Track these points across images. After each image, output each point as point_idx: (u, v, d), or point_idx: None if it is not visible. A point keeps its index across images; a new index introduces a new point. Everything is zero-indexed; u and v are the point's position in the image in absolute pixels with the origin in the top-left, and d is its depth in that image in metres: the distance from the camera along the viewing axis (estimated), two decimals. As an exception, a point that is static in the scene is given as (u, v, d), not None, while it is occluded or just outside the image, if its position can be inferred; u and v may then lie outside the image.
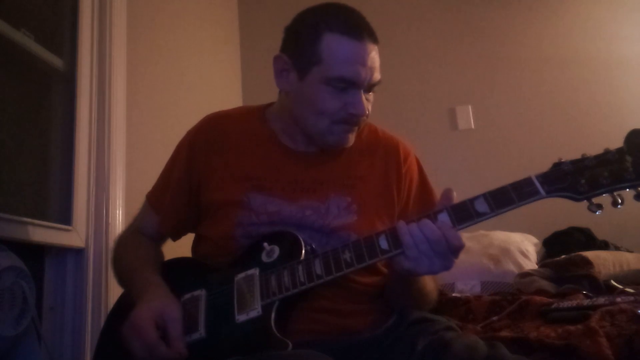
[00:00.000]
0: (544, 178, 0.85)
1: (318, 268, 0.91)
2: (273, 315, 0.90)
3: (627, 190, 0.83)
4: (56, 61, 1.66)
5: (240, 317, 0.92)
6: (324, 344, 0.92)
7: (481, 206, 0.86)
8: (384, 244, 0.89)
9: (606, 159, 0.83)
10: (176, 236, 1.22)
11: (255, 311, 0.91)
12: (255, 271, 0.96)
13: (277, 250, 0.97)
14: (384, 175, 1.12)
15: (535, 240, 2.28)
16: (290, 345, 0.86)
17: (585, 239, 2.15)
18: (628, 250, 2.07)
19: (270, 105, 1.20)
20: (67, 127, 1.65)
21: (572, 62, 2.71)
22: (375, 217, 1.07)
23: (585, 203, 0.85)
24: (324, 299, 0.98)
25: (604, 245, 2.10)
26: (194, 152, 1.15)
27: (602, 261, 1.73)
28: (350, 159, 1.12)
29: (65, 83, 1.68)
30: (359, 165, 1.12)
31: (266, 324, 0.90)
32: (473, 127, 2.75)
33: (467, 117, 2.77)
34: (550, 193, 0.85)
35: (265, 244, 0.99)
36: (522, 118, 2.70)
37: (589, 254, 1.75)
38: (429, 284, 1.05)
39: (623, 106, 2.60)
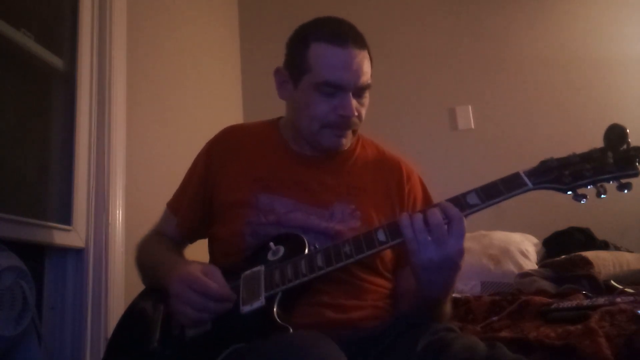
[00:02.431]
0: (531, 172, 0.92)
1: (319, 261, 0.96)
2: (276, 305, 0.94)
3: (610, 182, 0.89)
4: (56, 61, 1.66)
5: (245, 308, 0.95)
6: None
7: (472, 199, 0.92)
8: (381, 236, 0.94)
9: (589, 156, 0.90)
10: (192, 238, 1.29)
11: (259, 302, 0.95)
12: (260, 268, 1.00)
13: (282, 250, 1.02)
14: (386, 192, 1.17)
15: (535, 240, 2.27)
16: (291, 330, 0.91)
17: (585, 239, 2.15)
18: (628, 250, 2.07)
19: (283, 116, 1.28)
20: (67, 127, 1.65)
21: (572, 62, 2.71)
22: (378, 225, 1.10)
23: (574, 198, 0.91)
24: (326, 295, 1.02)
25: (604, 245, 2.10)
26: (211, 159, 1.22)
27: (602, 261, 1.73)
28: (355, 169, 1.19)
29: (65, 83, 1.69)
30: (363, 177, 1.18)
31: (269, 313, 0.94)
32: (473, 127, 2.75)
33: (467, 117, 2.77)
34: (537, 185, 0.91)
35: (272, 244, 1.04)
36: (522, 118, 2.70)
37: (589, 254, 1.75)
38: (448, 305, 1.07)
39: (623, 106, 2.60)
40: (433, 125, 2.79)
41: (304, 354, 0.76)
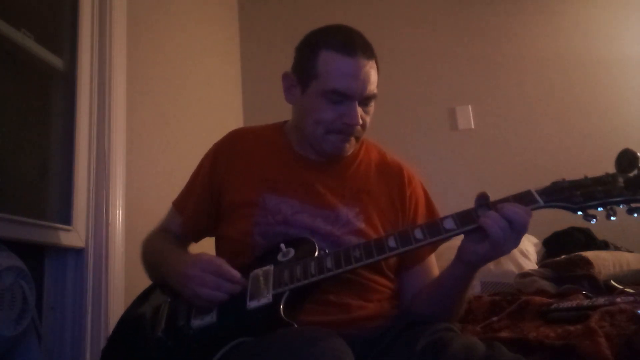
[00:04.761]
0: (543, 191, 0.95)
1: (329, 263, 0.98)
2: (282, 303, 0.96)
3: (620, 206, 0.91)
4: (56, 61, 1.66)
5: (252, 304, 0.97)
6: None
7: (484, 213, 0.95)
8: (392, 243, 0.96)
9: (600, 179, 0.93)
10: (197, 237, 1.31)
11: (266, 299, 0.97)
12: (270, 267, 1.02)
13: (292, 252, 1.04)
14: (388, 196, 1.19)
15: (535, 240, 2.27)
16: (295, 325, 0.92)
17: (585, 239, 2.15)
18: (628, 250, 2.07)
19: (288, 120, 1.31)
20: (67, 127, 1.65)
21: (572, 62, 2.71)
22: (380, 228, 1.14)
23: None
24: (331, 294, 1.04)
25: (604, 245, 2.10)
26: (217, 161, 1.25)
27: (602, 261, 1.73)
28: (358, 173, 1.21)
29: (65, 83, 1.69)
30: (367, 181, 1.20)
31: (275, 310, 0.95)
32: (473, 127, 2.75)
33: (467, 117, 2.77)
34: (548, 202, 0.94)
35: (282, 245, 1.06)
36: (522, 118, 2.70)
37: (589, 254, 1.75)
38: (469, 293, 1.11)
39: (623, 106, 2.60)
40: (433, 125, 2.79)
41: (312, 346, 0.77)
